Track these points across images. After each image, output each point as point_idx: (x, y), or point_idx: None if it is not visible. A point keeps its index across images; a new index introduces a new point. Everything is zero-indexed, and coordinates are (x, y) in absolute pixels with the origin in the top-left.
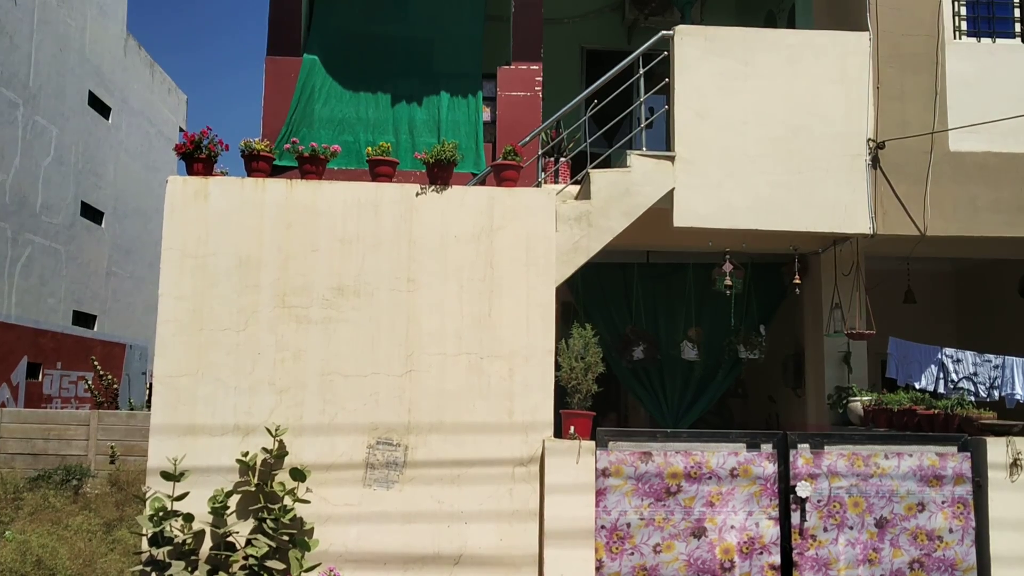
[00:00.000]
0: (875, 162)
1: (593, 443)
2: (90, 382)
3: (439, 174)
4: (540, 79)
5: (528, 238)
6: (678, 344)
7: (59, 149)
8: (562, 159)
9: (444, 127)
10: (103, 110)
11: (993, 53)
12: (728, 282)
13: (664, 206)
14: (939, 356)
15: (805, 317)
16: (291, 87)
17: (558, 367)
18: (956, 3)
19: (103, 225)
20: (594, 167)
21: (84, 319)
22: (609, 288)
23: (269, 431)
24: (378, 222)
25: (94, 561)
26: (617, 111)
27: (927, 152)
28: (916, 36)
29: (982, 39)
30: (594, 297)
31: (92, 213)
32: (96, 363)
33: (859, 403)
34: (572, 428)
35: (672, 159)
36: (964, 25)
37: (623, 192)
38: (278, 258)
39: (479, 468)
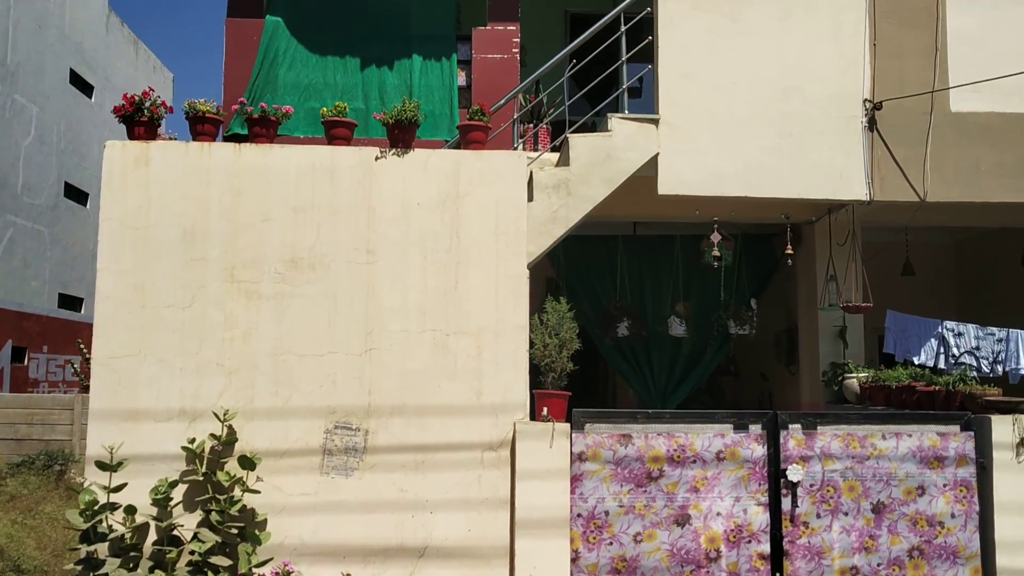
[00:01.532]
0: (872, 124)
1: (568, 425)
2: (77, 366)
3: (400, 136)
4: (517, 40)
5: (497, 205)
6: (665, 320)
7: (40, 128)
8: (541, 124)
9: (417, 92)
10: (86, 89)
11: (997, 7)
12: (716, 253)
13: (648, 173)
14: (939, 330)
15: (798, 290)
16: (254, 51)
17: (533, 344)
18: None
19: (87, 206)
20: (573, 131)
21: (71, 302)
22: (593, 261)
23: (217, 416)
24: (334, 189)
25: (63, 552)
26: (600, 75)
27: (927, 113)
28: None
29: None
30: (577, 271)
31: (76, 194)
32: (83, 346)
33: (855, 380)
34: (545, 409)
35: (656, 122)
36: None
37: (604, 158)
38: (226, 229)
39: (445, 453)
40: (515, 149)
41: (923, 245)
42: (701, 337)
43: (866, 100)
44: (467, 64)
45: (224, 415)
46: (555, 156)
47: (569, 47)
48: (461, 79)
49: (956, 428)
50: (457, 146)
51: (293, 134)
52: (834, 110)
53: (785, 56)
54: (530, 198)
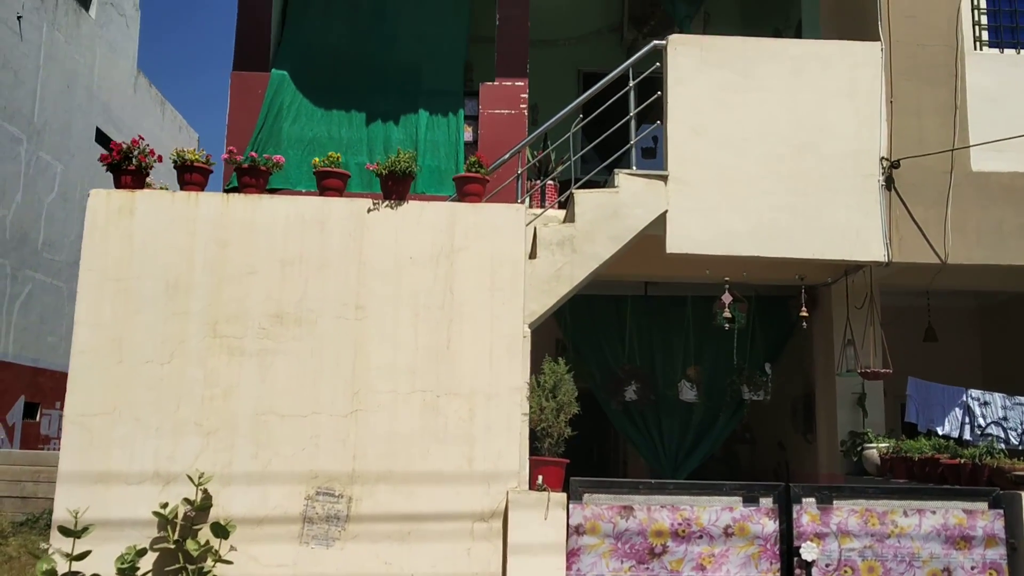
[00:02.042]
0: (889, 183)
1: (565, 495)
2: None
3: (394, 188)
4: (525, 96)
5: (494, 260)
6: (676, 384)
7: (64, 185)
8: (547, 180)
9: (422, 147)
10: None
11: (1018, 64)
12: (728, 315)
13: (657, 231)
14: (964, 398)
15: (815, 355)
16: (258, 104)
17: (530, 407)
18: (976, 11)
19: None
20: (580, 187)
21: None
22: (601, 323)
23: (192, 479)
24: (324, 241)
25: None
26: (614, 134)
27: (947, 172)
28: (933, 46)
29: (1005, 50)
30: (584, 332)
31: None
32: None
33: (875, 450)
34: (540, 478)
35: (665, 179)
36: (985, 35)
37: (611, 215)
38: (210, 281)
39: (433, 524)
40: (518, 203)
41: (946, 310)
42: (713, 403)
43: (883, 158)
44: (474, 120)
45: (199, 478)
46: (561, 213)
47: (576, 102)
48: (468, 134)
49: (984, 505)
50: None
51: (296, 188)
52: (850, 168)
53: (798, 113)
54: (533, 255)
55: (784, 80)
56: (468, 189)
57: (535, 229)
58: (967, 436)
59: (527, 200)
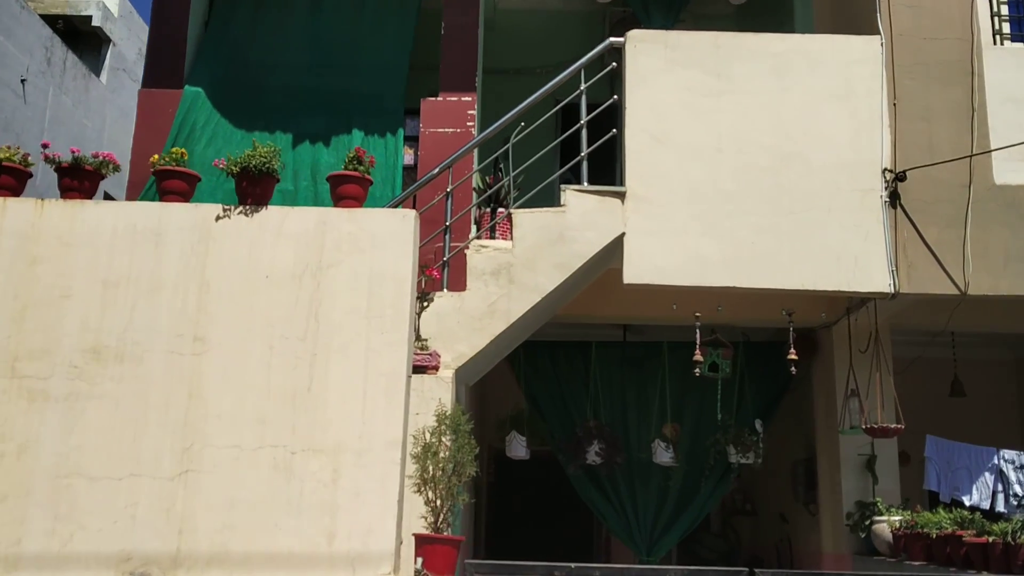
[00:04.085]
0: (894, 199)
1: None
2: None
3: (249, 190)
4: (473, 112)
5: (372, 280)
6: (649, 444)
7: None
8: (500, 210)
9: None
10: None
11: None
12: (699, 357)
13: (614, 262)
14: (995, 461)
15: (816, 410)
16: (168, 125)
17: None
18: (995, 1)
19: None
20: (518, 207)
21: None
22: (564, 373)
23: None
24: (159, 257)
25: None
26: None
27: (964, 185)
28: (944, 40)
29: None
30: (544, 384)
31: None
32: None
33: (886, 524)
34: (419, 561)
35: (622, 196)
36: (1007, 27)
37: (556, 238)
38: (12, 308)
39: None
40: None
41: (976, 363)
42: (695, 467)
43: (886, 170)
44: (416, 141)
45: None
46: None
47: (513, 112)
48: (408, 157)
49: None
50: None
51: None
52: (845, 182)
53: (783, 118)
54: (462, 287)
55: (765, 81)
56: (344, 191)
57: (465, 257)
58: (1000, 507)
59: (474, 229)
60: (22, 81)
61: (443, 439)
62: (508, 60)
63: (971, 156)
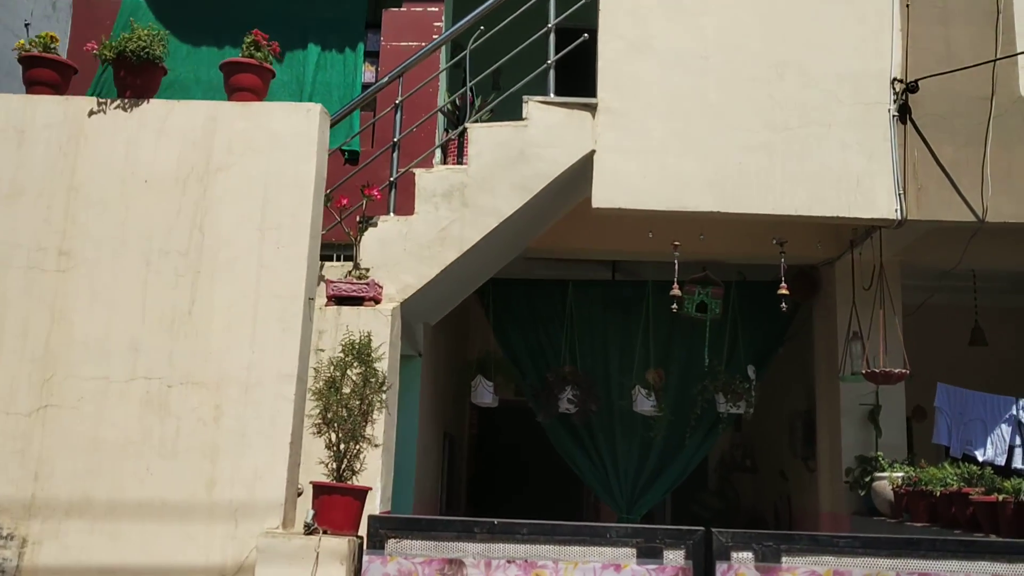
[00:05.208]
0: (904, 113)
1: (354, 541)
2: None
3: (129, 81)
4: (440, 25)
5: (269, 185)
6: (629, 391)
7: None
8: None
9: (311, 90)
10: None
11: None
12: (676, 292)
13: (589, 189)
14: (1014, 411)
15: (816, 356)
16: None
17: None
18: None
19: None
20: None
21: None
22: (540, 314)
23: None
24: (22, 158)
25: None
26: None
27: (986, 98)
28: None
29: None
30: (517, 326)
31: None
32: None
33: (887, 481)
34: (311, 513)
35: (593, 109)
36: None
37: (516, 157)
38: None
39: None
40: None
41: (999, 311)
42: (680, 417)
43: (895, 80)
44: (376, 57)
45: None
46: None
47: (474, 14)
48: (368, 75)
49: None
50: (355, 158)
51: None
52: (848, 94)
53: (778, 21)
54: (411, 211)
55: None
56: (238, 81)
57: (416, 177)
58: (1017, 463)
59: (439, 155)
60: (26, 25)
61: (350, 372)
62: None
63: (995, 62)
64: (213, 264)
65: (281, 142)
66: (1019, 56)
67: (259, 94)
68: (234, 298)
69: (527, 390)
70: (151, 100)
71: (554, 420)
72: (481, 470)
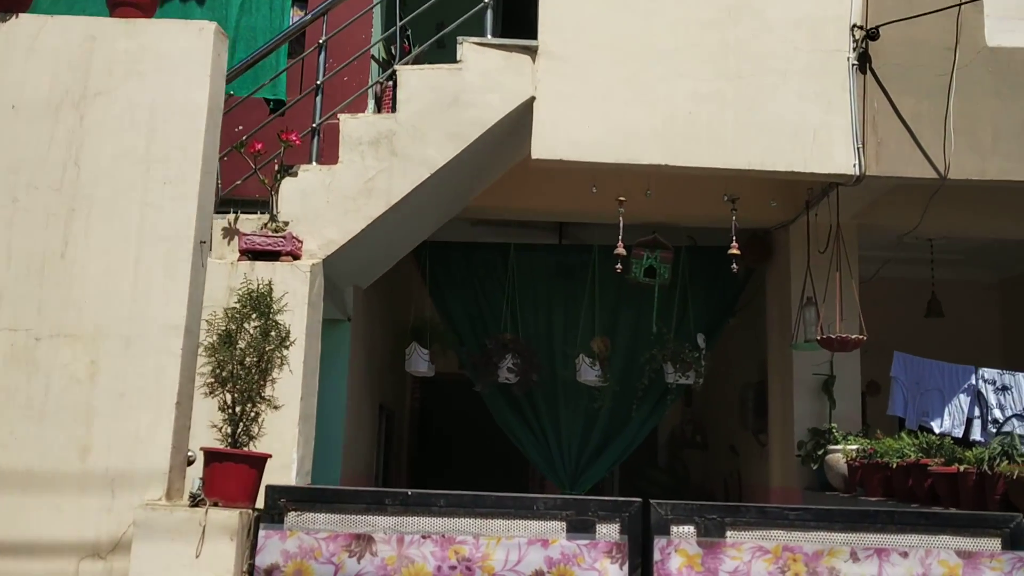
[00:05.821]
0: (864, 62)
1: (248, 514)
2: None
3: None
4: None
5: (155, 113)
6: (573, 361)
7: None
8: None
9: (234, 35)
10: None
11: None
12: (621, 251)
13: (525, 136)
14: (972, 381)
15: (768, 323)
16: None
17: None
18: None
19: None
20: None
21: None
22: (479, 278)
23: None
24: None
25: None
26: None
27: (949, 48)
28: None
29: None
30: (455, 290)
31: None
32: None
33: (840, 454)
34: (198, 483)
35: (533, 52)
36: None
37: (450, 102)
38: None
39: (9, 561)
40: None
41: (957, 284)
42: (626, 388)
43: (855, 26)
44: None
45: None
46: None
47: None
48: (297, 19)
49: (994, 543)
50: (281, 109)
51: None
52: (805, 40)
53: None
54: (334, 159)
55: None
56: None
57: (340, 122)
58: (976, 435)
59: (375, 106)
60: None
61: (247, 326)
62: None
63: (959, 6)
64: (90, 201)
65: (170, 65)
66: (984, 3)
67: (146, 11)
68: (113, 240)
69: (464, 358)
70: (20, 15)
71: (493, 390)
72: (426, 446)
